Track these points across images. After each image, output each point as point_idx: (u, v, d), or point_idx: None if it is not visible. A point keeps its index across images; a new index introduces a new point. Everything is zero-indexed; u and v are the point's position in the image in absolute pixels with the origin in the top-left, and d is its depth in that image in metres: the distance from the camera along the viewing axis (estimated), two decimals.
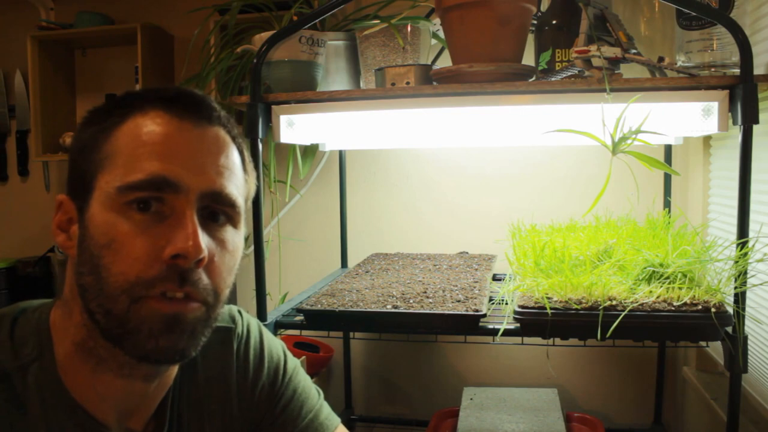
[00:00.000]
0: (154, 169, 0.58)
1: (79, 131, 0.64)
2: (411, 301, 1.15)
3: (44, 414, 0.60)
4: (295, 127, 1.21)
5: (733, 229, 1.00)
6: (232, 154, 0.65)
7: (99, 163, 0.61)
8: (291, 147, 1.72)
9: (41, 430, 0.59)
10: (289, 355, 0.83)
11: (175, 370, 0.71)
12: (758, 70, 1.04)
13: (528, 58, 1.19)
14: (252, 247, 1.23)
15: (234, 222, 0.65)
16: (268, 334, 0.82)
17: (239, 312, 0.81)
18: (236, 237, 0.65)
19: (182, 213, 0.59)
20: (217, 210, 0.63)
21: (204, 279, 0.60)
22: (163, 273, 0.57)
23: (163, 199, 0.59)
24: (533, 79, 1.17)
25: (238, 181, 0.65)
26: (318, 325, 1.19)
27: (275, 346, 0.82)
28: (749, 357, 1.12)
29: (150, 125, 0.61)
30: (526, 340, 1.07)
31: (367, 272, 1.46)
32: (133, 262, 0.57)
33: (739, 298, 0.98)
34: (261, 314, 1.19)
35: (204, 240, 0.59)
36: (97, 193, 0.60)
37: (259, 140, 1.16)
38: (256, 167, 1.17)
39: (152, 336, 0.58)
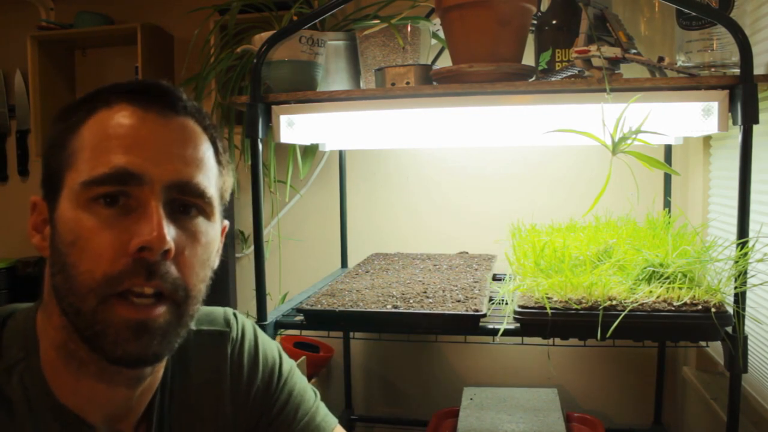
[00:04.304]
0: (117, 162, 0.57)
1: (50, 129, 0.63)
2: (411, 301, 1.15)
3: (30, 415, 0.60)
4: (295, 127, 1.21)
5: (733, 229, 1.00)
6: (201, 145, 0.63)
7: (66, 161, 0.60)
8: (291, 147, 1.72)
9: (27, 430, 0.59)
10: (285, 357, 0.82)
11: (160, 371, 0.69)
12: (758, 70, 1.04)
13: (528, 58, 1.19)
14: (252, 247, 1.23)
15: (207, 214, 0.63)
16: (263, 337, 0.81)
17: (234, 315, 0.80)
18: (210, 229, 0.64)
19: (147, 205, 0.58)
20: (187, 202, 0.61)
21: (173, 272, 0.58)
22: (129, 267, 0.56)
23: (129, 192, 0.58)
24: (533, 79, 1.17)
25: (208, 172, 0.63)
26: (318, 325, 1.19)
27: (270, 348, 0.81)
28: (749, 357, 1.12)
29: (114, 118, 0.60)
30: (526, 340, 1.07)
31: (367, 272, 1.46)
32: (99, 258, 0.56)
33: (739, 298, 0.98)
34: (261, 314, 1.19)
35: (171, 232, 0.58)
36: (65, 191, 0.59)
37: (259, 140, 1.16)
38: (256, 167, 1.17)
39: (119, 343, 0.57)
